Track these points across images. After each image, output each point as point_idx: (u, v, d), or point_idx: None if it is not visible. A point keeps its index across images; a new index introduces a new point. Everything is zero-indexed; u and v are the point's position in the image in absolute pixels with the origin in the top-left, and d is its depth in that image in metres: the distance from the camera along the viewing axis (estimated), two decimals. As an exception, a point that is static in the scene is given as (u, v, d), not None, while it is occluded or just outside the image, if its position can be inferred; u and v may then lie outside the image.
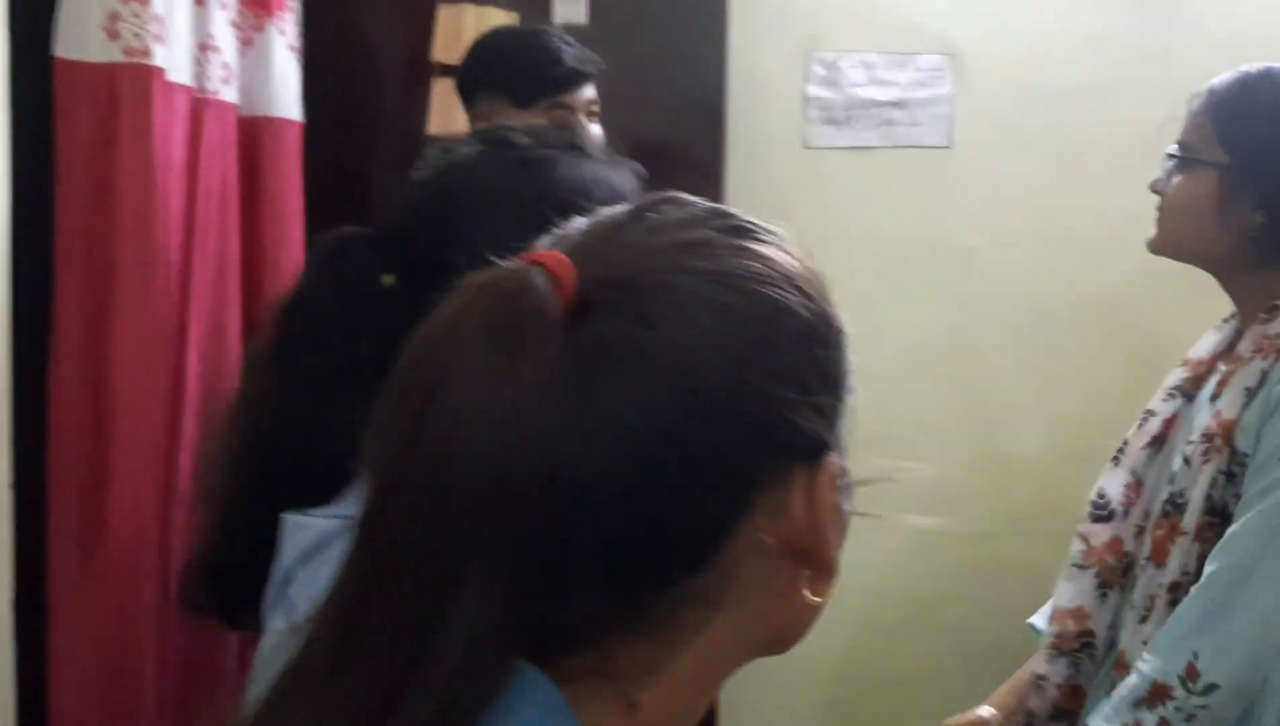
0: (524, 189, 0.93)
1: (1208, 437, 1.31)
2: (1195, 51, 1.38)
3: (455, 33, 2.14)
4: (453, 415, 0.47)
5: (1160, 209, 1.40)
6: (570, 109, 1.78)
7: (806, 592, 0.53)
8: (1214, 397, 1.35)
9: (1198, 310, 1.52)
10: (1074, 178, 2.61)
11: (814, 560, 0.53)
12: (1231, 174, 1.31)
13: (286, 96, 1.80)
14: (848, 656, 2.55)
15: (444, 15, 2.15)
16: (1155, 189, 1.41)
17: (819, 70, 2.61)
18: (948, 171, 2.62)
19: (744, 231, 0.55)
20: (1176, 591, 1.31)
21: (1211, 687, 1.22)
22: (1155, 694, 1.24)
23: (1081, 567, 1.44)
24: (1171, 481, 1.36)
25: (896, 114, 2.62)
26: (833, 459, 0.54)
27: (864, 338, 0.58)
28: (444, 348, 0.49)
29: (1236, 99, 1.34)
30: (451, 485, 0.47)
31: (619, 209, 0.56)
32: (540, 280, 0.49)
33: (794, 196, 2.58)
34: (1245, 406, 1.28)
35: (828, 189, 2.55)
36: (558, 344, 0.47)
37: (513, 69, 1.78)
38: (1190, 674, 1.23)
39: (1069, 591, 1.45)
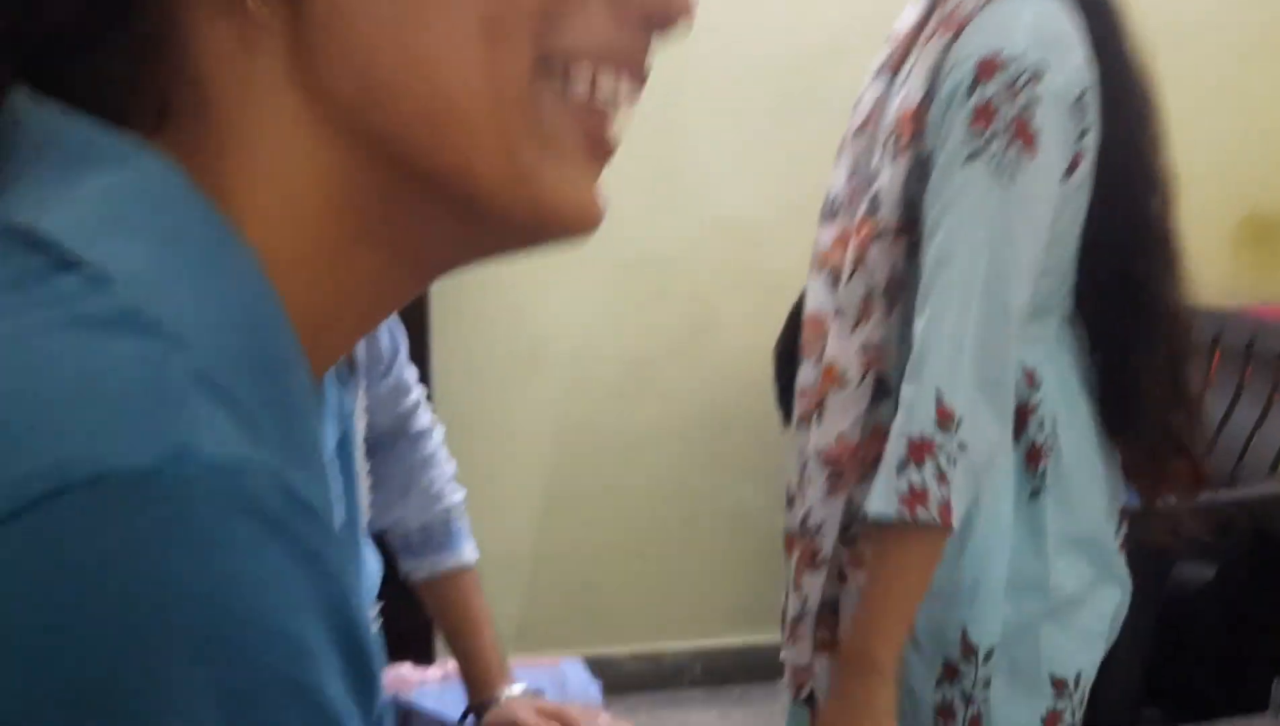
0: None
1: (897, 126, 1.19)
2: None
3: None
4: None
5: None
6: None
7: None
8: (905, 81, 1.21)
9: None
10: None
11: None
12: None
13: None
14: (559, 420, 2.57)
15: None
16: None
17: None
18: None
19: None
20: (894, 293, 1.19)
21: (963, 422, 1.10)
22: (915, 451, 1.11)
23: (817, 270, 1.29)
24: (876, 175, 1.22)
25: None
26: None
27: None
28: None
29: None
30: None
31: None
32: None
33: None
34: (926, 92, 1.16)
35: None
36: None
37: None
38: (942, 416, 1.11)
39: (809, 295, 1.31)
